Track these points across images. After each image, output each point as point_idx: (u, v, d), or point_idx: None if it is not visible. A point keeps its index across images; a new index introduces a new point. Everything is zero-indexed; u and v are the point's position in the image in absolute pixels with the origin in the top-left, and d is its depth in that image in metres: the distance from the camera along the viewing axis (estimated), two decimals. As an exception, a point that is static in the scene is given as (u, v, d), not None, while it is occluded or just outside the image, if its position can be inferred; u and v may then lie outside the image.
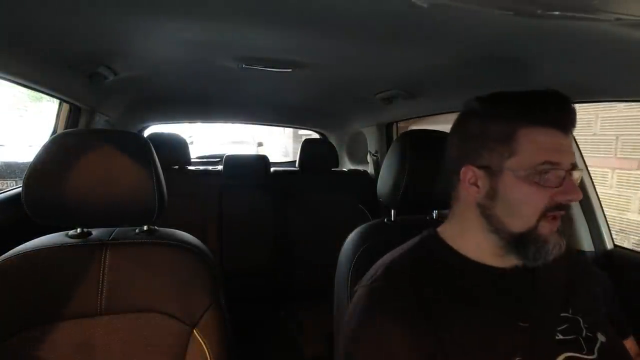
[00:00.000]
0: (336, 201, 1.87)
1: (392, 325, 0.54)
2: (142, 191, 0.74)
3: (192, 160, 2.04)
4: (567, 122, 0.55)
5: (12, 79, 0.93)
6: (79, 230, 0.77)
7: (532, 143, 0.53)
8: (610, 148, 2.11)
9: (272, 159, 2.20)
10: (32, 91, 1.08)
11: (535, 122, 0.54)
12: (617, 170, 2.09)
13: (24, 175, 0.71)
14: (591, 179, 1.11)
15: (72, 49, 0.92)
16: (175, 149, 1.86)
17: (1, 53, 0.83)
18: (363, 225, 0.89)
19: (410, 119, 1.82)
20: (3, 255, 0.71)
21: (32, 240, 0.75)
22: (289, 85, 1.46)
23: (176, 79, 1.40)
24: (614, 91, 0.87)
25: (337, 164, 2.01)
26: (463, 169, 0.58)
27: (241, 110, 2.16)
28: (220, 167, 1.96)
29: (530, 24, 0.56)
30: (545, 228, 0.54)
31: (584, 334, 0.56)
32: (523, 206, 0.54)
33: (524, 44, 0.69)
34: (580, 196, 0.54)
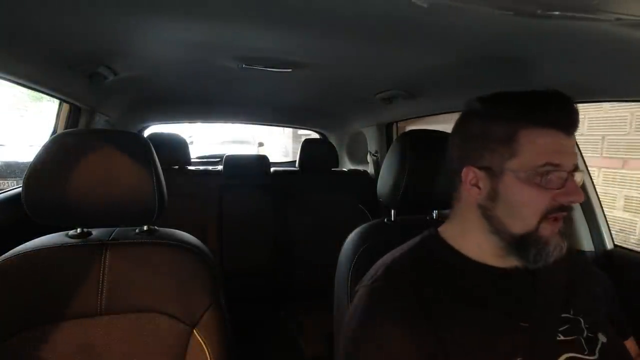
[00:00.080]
0: (336, 201, 1.87)
1: (393, 325, 0.54)
2: (142, 191, 0.74)
3: (192, 160, 2.04)
4: (568, 122, 0.54)
5: (12, 79, 0.93)
6: (79, 230, 0.77)
7: (533, 144, 0.53)
8: (597, 147, 2.16)
9: (272, 158, 2.20)
10: (33, 91, 1.08)
11: (536, 123, 0.53)
12: (603, 169, 2.13)
13: (23, 175, 0.71)
14: (591, 179, 1.11)
15: (72, 49, 0.92)
16: (175, 149, 1.86)
17: (1, 53, 0.83)
18: (363, 225, 0.89)
19: (410, 119, 1.82)
20: (3, 255, 0.71)
21: (32, 240, 0.75)
22: (289, 85, 1.46)
23: (176, 79, 1.40)
24: (614, 91, 0.87)
25: (337, 164, 2.01)
26: (464, 170, 0.58)
27: (241, 110, 2.16)
28: (220, 167, 1.96)
29: (530, 24, 0.56)
30: (547, 230, 0.54)
31: (584, 334, 0.56)
32: (524, 207, 0.54)
33: (524, 44, 0.69)
34: (582, 198, 0.54)
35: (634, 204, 2.06)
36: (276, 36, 0.81)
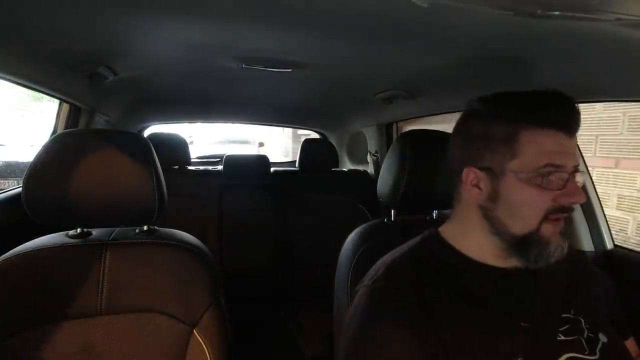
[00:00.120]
0: (336, 201, 1.87)
1: (393, 325, 0.54)
2: (142, 191, 0.74)
3: (192, 160, 2.04)
4: (570, 123, 0.54)
5: (12, 79, 0.93)
6: (79, 230, 0.77)
7: (534, 145, 0.53)
8: (590, 147, 2.19)
9: (272, 158, 2.20)
10: (33, 91, 1.08)
11: (537, 124, 0.53)
12: (596, 169, 2.16)
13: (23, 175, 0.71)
14: (591, 179, 1.11)
15: (72, 49, 0.92)
16: (175, 149, 1.86)
17: (1, 53, 0.83)
18: (363, 225, 0.89)
19: (410, 118, 1.82)
20: (3, 255, 0.71)
21: (32, 240, 0.75)
22: (289, 85, 1.46)
23: (176, 79, 1.40)
24: (614, 91, 0.87)
25: (337, 164, 2.01)
26: (465, 171, 0.58)
27: (241, 110, 2.16)
28: (220, 167, 1.96)
29: (530, 24, 0.56)
30: (548, 230, 0.54)
31: (585, 334, 0.56)
32: (525, 208, 0.54)
33: (524, 44, 0.69)
34: (584, 199, 0.54)
35: (626, 203, 2.10)
36: (276, 36, 0.81)
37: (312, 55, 0.97)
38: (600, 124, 2.15)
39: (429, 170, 0.81)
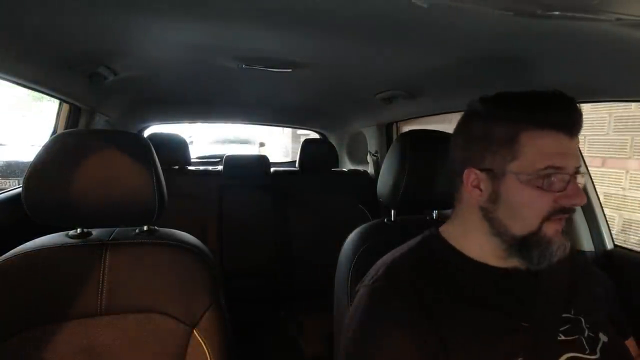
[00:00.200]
0: (336, 201, 1.87)
1: (393, 325, 0.54)
2: (142, 191, 0.74)
3: (192, 160, 2.04)
4: (571, 124, 0.54)
5: (12, 79, 0.93)
6: (79, 230, 0.77)
7: (535, 146, 0.52)
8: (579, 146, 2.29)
9: (273, 159, 2.20)
10: (33, 91, 1.08)
11: (538, 125, 0.53)
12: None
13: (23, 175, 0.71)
14: (591, 178, 1.11)
15: (72, 49, 0.92)
16: (175, 149, 1.86)
17: (1, 53, 0.83)
18: (363, 226, 0.89)
19: (410, 119, 1.82)
20: (3, 255, 0.71)
21: (32, 240, 0.75)
22: (289, 85, 1.46)
23: (176, 79, 1.40)
24: (614, 91, 0.87)
25: (337, 164, 2.01)
26: (466, 172, 0.58)
27: (241, 110, 2.16)
28: (220, 167, 1.96)
29: (530, 24, 0.56)
30: (550, 229, 0.54)
31: (586, 334, 0.56)
32: (525, 210, 0.54)
33: (524, 44, 0.69)
34: (585, 201, 0.53)
35: (612, 201, 2.17)
36: (276, 36, 0.81)
37: (312, 56, 0.97)
38: (588, 125, 2.21)
39: (429, 171, 0.81)
